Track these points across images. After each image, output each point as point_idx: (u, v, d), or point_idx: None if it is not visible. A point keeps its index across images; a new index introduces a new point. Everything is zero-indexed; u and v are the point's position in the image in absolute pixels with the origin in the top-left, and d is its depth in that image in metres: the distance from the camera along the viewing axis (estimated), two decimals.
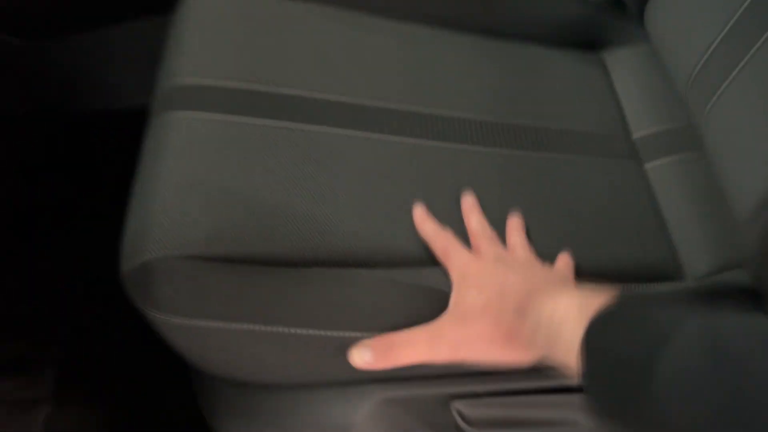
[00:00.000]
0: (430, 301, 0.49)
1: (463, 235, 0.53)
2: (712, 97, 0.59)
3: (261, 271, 0.47)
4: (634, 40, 0.74)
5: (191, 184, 0.50)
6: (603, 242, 0.58)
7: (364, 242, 0.51)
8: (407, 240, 0.52)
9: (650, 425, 0.35)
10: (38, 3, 0.76)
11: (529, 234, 0.55)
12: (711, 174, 0.63)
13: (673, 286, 0.57)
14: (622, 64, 0.74)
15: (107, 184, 0.53)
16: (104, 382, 0.76)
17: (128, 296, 0.48)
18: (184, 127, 0.53)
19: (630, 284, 0.57)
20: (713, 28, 0.59)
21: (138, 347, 0.63)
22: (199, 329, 0.47)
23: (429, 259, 0.51)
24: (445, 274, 0.50)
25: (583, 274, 0.54)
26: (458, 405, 0.53)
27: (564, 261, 0.54)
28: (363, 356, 0.48)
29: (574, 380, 0.40)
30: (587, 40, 0.75)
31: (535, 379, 0.53)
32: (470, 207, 0.55)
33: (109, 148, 0.60)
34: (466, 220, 0.54)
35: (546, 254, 0.54)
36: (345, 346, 0.48)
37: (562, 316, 0.42)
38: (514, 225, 0.55)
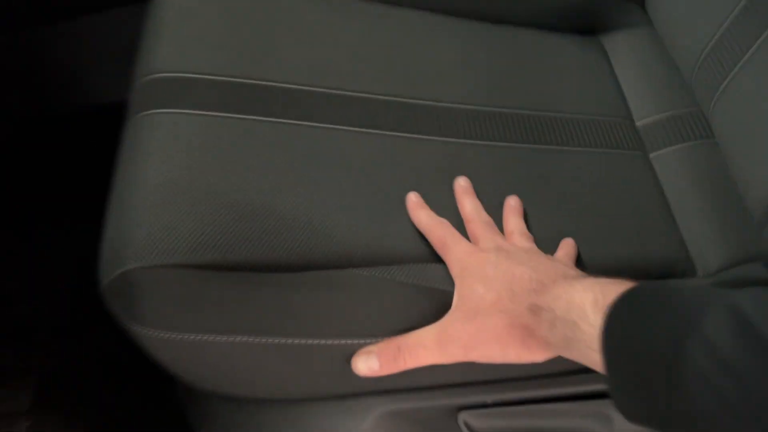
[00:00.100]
0: (434, 299, 0.47)
1: (462, 229, 0.51)
2: (722, 83, 0.57)
3: (252, 279, 0.45)
4: (634, 24, 0.73)
5: (173, 187, 0.47)
6: (610, 238, 0.56)
7: (360, 241, 0.48)
8: (404, 237, 0.50)
9: (681, 414, 0.33)
10: None
11: (529, 223, 0.53)
12: (719, 162, 0.61)
13: (686, 283, 0.55)
14: (622, 49, 0.72)
15: (84, 186, 0.50)
16: (86, 394, 0.74)
17: (109, 311, 0.44)
18: (163, 126, 0.50)
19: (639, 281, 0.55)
20: (722, 11, 0.57)
21: (121, 356, 0.61)
22: (186, 344, 0.44)
23: (428, 255, 0.49)
24: (445, 269, 0.48)
25: (589, 272, 0.51)
26: (466, 416, 0.51)
27: (565, 250, 0.52)
28: (369, 363, 0.46)
29: (590, 385, 0.38)
30: (586, 24, 0.73)
31: (545, 388, 0.51)
32: (463, 190, 0.53)
33: (84, 148, 0.57)
34: (459, 205, 0.52)
35: (550, 251, 0.52)
36: (347, 354, 0.46)
37: (579, 308, 0.40)
38: (511, 209, 0.53)
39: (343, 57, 0.59)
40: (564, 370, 0.48)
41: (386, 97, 0.58)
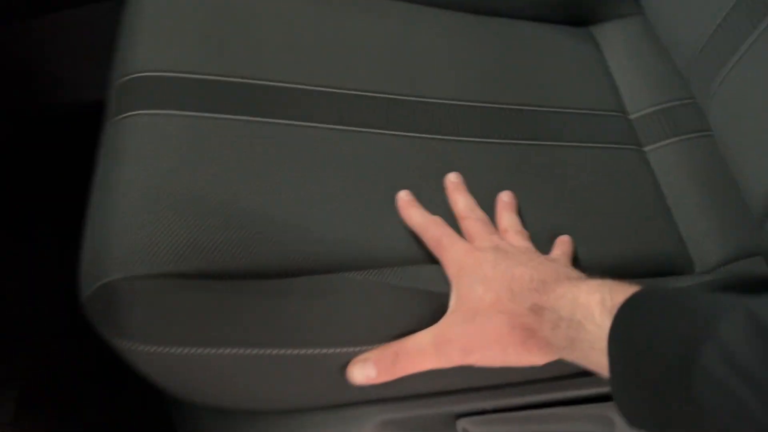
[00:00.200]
0: (430, 301, 0.45)
1: (456, 227, 0.50)
2: (720, 74, 0.56)
3: (241, 287, 0.43)
4: (627, 14, 0.71)
5: (154, 193, 0.45)
6: (606, 235, 0.55)
7: (351, 244, 0.47)
8: (397, 237, 0.49)
9: (689, 419, 0.32)
10: None
11: (523, 220, 0.52)
12: (715, 155, 0.60)
13: (685, 280, 0.54)
14: (615, 40, 0.71)
15: (84, 186, 0.49)
16: (68, 405, 0.72)
17: (91, 325, 0.42)
18: (143, 128, 0.48)
19: (637, 280, 0.53)
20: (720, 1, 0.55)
21: (105, 366, 0.59)
22: (173, 357, 0.43)
23: (423, 256, 0.48)
24: (441, 269, 0.47)
25: (586, 270, 0.50)
26: (464, 423, 0.50)
27: (562, 248, 0.51)
28: (365, 372, 0.44)
29: (591, 388, 0.36)
30: (578, 15, 0.71)
31: (545, 392, 0.50)
32: (454, 186, 0.51)
33: (85, 148, 0.56)
34: (452, 202, 0.51)
35: (545, 248, 0.51)
36: (342, 363, 0.45)
37: (585, 309, 0.39)
38: (504, 205, 0.52)
39: (329, 52, 0.57)
40: (563, 374, 0.47)
41: (375, 94, 0.56)
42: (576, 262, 0.51)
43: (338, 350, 0.44)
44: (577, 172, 0.57)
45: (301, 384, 0.47)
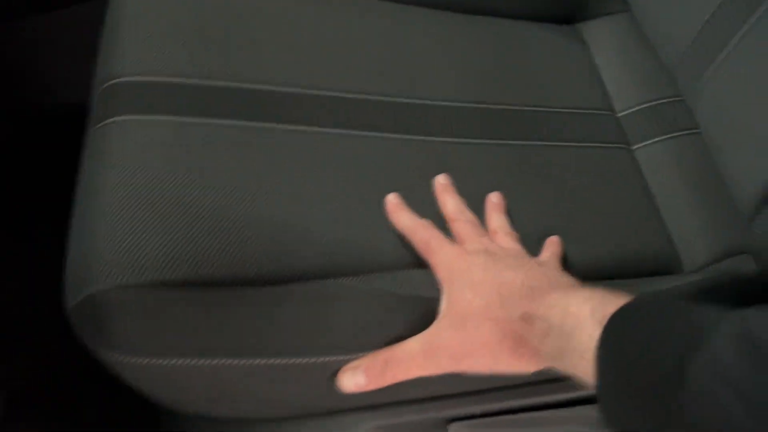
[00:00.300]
0: (420, 307, 0.45)
1: (446, 231, 0.49)
2: (707, 71, 0.55)
3: (230, 295, 0.42)
4: (613, 12, 0.71)
5: (140, 199, 0.44)
6: (595, 235, 0.55)
7: (340, 250, 0.46)
8: (386, 241, 0.48)
9: (677, 429, 0.32)
10: None
11: (512, 221, 0.51)
12: (702, 153, 0.60)
13: (673, 279, 0.54)
14: (602, 37, 0.71)
15: (63, 190, 0.48)
16: (68, 405, 0.71)
17: (77, 336, 0.42)
18: (127, 133, 0.47)
19: (626, 279, 0.53)
20: None
21: (94, 368, 0.58)
22: (161, 369, 0.42)
23: (412, 260, 0.47)
24: (430, 274, 0.46)
25: (576, 271, 0.50)
26: (456, 428, 0.49)
27: (551, 250, 0.51)
28: (355, 380, 0.44)
29: (583, 390, 0.36)
30: (564, 13, 0.71)
31: (536, 396, 0.50)
32: (443, 188, 0.51)
33: (62, 149, 0.55)
34: (441, 204, 0.50)
35: (535, 249, 0.50)
36: (332, 371, 0.44)
37: (575, 318, 0.38)
38: (494, 206, 0.51)
39: (317, 54, 0.57)
40: (555, 377, 0.47)
41: (363, 96, 0.55)
42: (565, 262, 0.51)
43: (328, 359, 0.44)
44: (564, 170, 0.57)
45: (291, 392, 0.47)
